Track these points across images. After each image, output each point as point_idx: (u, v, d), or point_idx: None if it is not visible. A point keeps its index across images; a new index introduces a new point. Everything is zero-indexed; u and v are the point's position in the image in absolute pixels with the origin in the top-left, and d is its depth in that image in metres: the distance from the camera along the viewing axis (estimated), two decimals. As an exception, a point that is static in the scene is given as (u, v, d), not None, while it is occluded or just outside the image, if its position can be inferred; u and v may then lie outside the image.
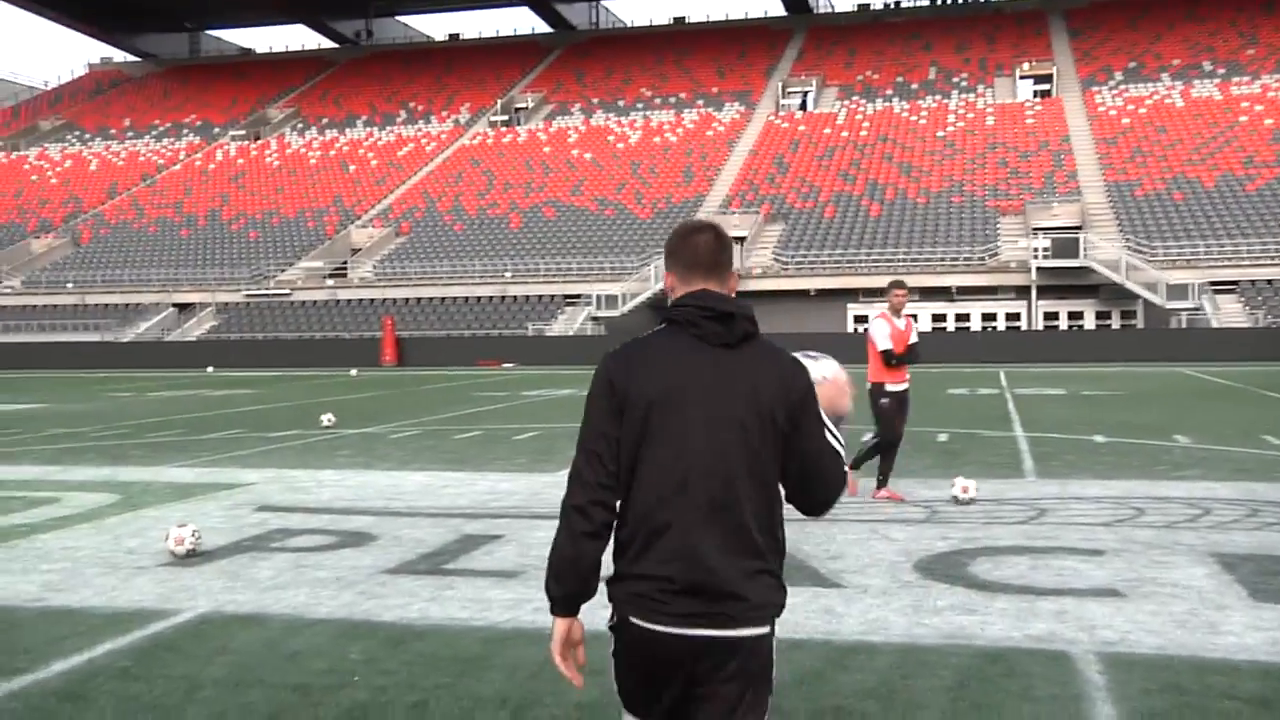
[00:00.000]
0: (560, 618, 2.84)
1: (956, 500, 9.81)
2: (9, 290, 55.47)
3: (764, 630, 2.77)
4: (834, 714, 4.71)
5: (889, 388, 10.47)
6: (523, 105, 72.30)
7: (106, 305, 52.93)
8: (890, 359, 10.36)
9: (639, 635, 2.76)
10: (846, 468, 9.89)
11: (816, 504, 2.92)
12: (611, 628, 2.83)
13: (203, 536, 8.24)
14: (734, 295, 2.97)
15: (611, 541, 2.82)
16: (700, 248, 2.99)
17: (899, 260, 45.34)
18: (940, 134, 57.49)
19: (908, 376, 10.66)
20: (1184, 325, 40.62)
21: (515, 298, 48.63)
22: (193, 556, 7.96)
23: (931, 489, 10.70)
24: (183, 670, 5.45)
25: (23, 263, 58.25)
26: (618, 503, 2.80)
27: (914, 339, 10.55)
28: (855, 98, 64.82)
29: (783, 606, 2.83)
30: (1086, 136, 55.27)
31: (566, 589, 2.82)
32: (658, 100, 69.14)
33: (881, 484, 10.48)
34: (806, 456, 2.84)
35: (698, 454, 2.75)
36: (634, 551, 2.78)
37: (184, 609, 6.62)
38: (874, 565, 7.48)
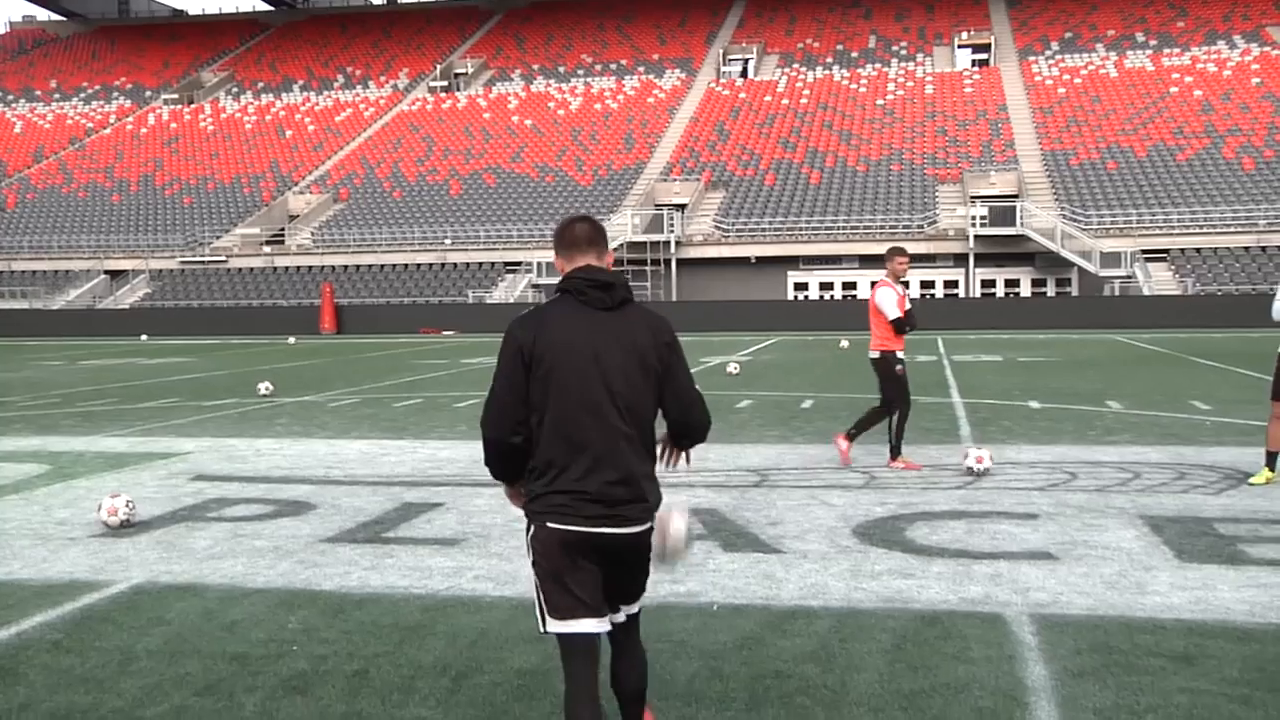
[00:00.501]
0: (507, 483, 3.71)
1: (971, 470, 9.53)
2: (-67, 256, 54.10)
3: (651, 524, 3.57)
4: (774, 678, 4.76)
5: (899, 354, 10.28)
6: (462, 71, 71.55)
7: (35, 272, 51.83)
8: (901, 326, 10.15)
9: (556, 537, 3.46)
10: (890, 461, 9.87)
11: (698, 427, 3.69)
12: (531, 539, 3.52)
13: (137, 507, 8.12)
14: (611, 269, 3.65)
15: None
16: (579, 231, 3.65)
17: (839, 228, 45.60)
18: (880, 102, 57.77)
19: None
20: (1117, 293, 41.33)
21: (455, 265, 48.31)
22: (127, 527, 7.85)
23: (870, 455, 10.81)
24: (116, 642, 5.37)
25: (-53, 228, 56.80)
26: (524, 435, 3.52)
27: (908, 306, 10.36)
28: (796, 65, 64.91)
29: (660, 500, 3.61)
30: (1024, 106, 55.84)
31: (503, 479, 3.69)
32: (598, 67, 68.75)
33: (853, 436, 10.41)
34: (680, 389, 3.62)
35: (594, 394, 3.47)
36: (551, 474, 3.48)
37: (118, 580, 6.53)
38: (813, 531, 7.55)
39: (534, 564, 3.52)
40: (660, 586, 6.18)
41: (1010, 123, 53.69)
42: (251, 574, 6.61)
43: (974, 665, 4.87)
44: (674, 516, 3.66)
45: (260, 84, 73.25)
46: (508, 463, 3.59)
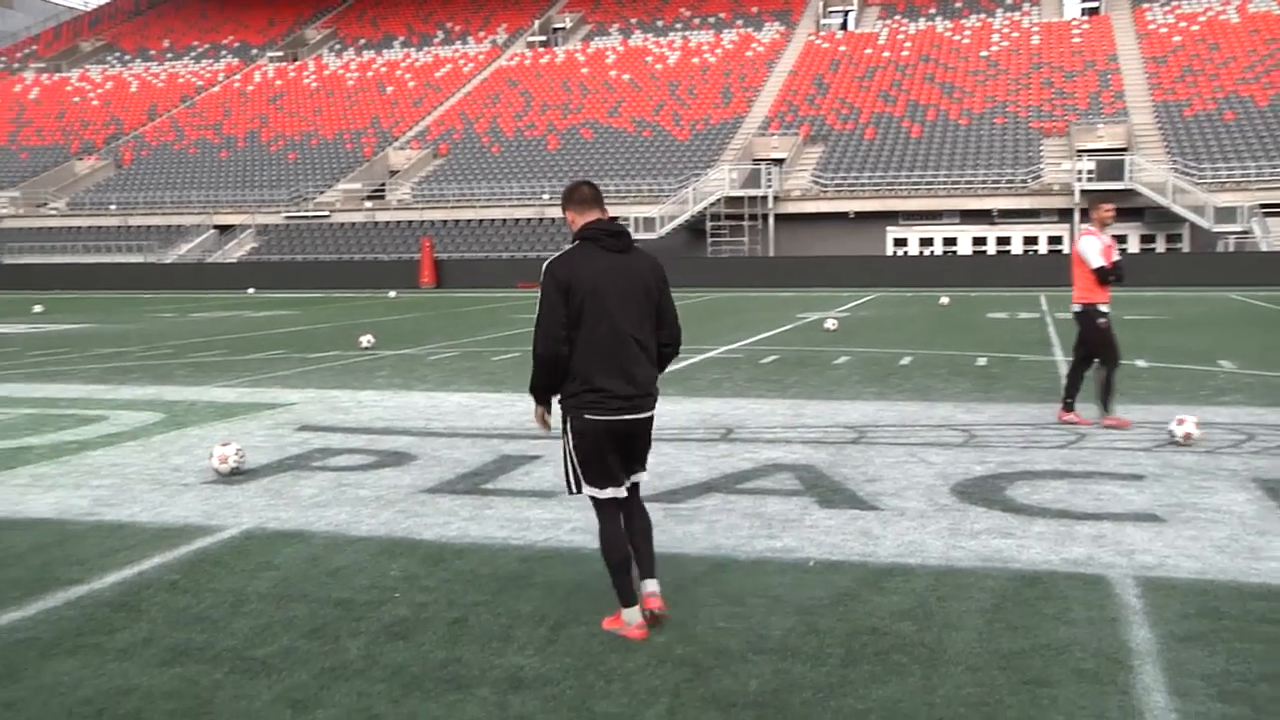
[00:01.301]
0: (539, 404, 4.91)
1: (1174, 439, 8.84)
2: (54, 212, 55.94)
3: (655, 410, 4.89)
4: (870, 634, 4.74)
5: (1102, 307, 9.94)
6: (560, 26, 71.49)
7: (149, 227, 53.30)
8: (1106, 276, 9.77)
9: (592, 425, 4.72)
10: (1102, 419, 9.42)
11: (677, 341, 4.97)
12: (569, 428, 4.77)
13: (246, 455, 8.35)
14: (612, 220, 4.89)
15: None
16: (585, 193, 4.87)
17: (939, 183, 44.78)
18: (984, 54, 56.37)
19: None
20: (1231, 249, 39.96)
21: (553, 220, 48.49)
22: (236, 475, 8.09)
23: (969, 413, 10.66)
24: (229, 584, 5.56)
25: (67, 184, 58.67)
26: (566, 350, 4.67)
27: (1116, 256, 9.97)
28: (897, 17, 63.58)
29: (658, 395, 4.90)
30: (1135, 55, 54.00)
31: (544, 393, 4.85)
32: (696, 20, 68.12)
33: (1070, 407, 10.07)
34: (669, 312, 4.91)
35: (615, 318, 4.68)
36: (584, 377, 4.69)
37: (229, 525, 6.74)
38: (911, 488, 7.48)
39: (574, 446, 4.78)
40: (756, 542, 6.19)
41: (1120, 73, 51.98)
42: (355, 522, 6.77)
43: (1075, 627, 4.80)
44: None
45: (362, 40, 74.06)
46: (554, 374, 4.73)
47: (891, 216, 45.05)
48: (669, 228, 45.00)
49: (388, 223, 50.60)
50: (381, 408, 11.65)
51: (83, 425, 10.64)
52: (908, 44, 59.04)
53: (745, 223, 45.68)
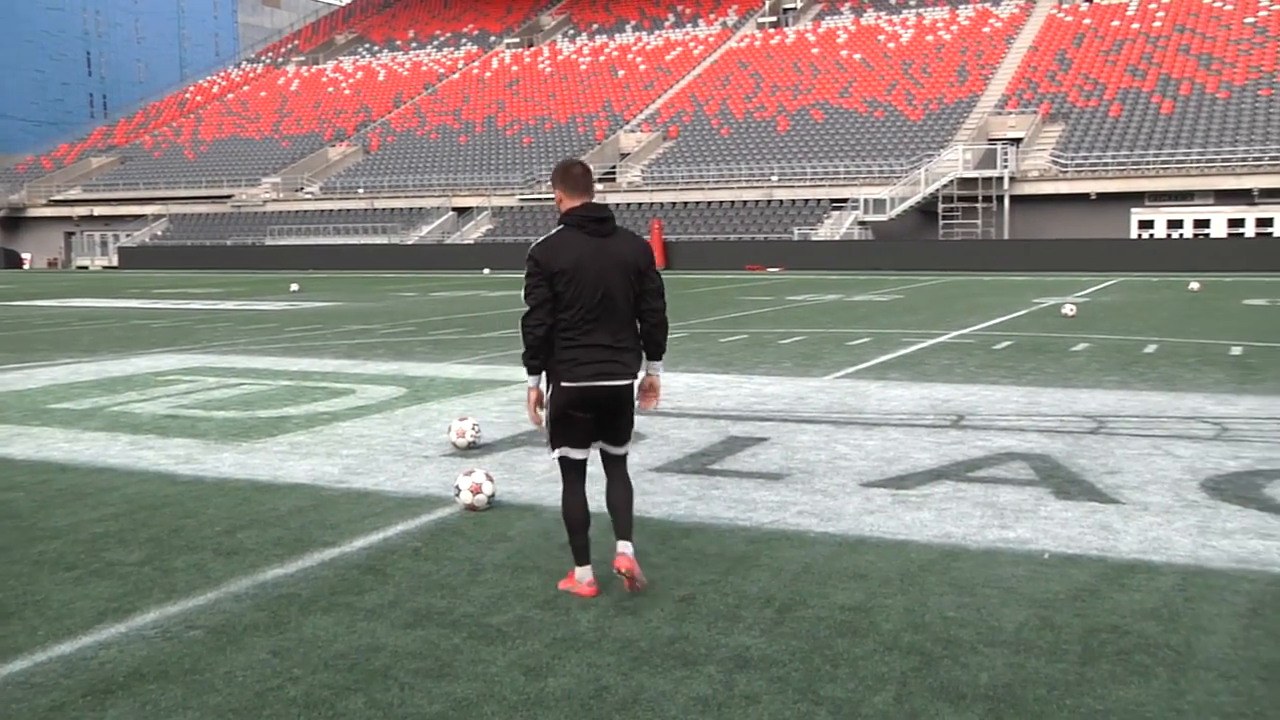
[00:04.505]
0: (533, 382, 5.13)
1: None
2: (309, 196, 59.42)
3: (632, 380, 5.09)
4: (1110, 632, 4.55)
5: None
6: (791, 6, 70.92)
7: (392, 209, 55.93)
8: None
9: (568, 393, 5.01)
10: None
11: (660, 313, 5.15)
12: (551, 394, 5.07)
13: (482, 430, 8.67)
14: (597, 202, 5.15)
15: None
16: (578, 173, 5.11)
17: (1191, 161, 42.23)
18: (1249, 20, 52.74)
19: None
20: None
21: (781, 202, 48.27)
22: (473, 449, 8.41)
23: (1222, 405, 10.05)
24: (467, 553, 5.80)
25: (320, 170, 62.18)
26: (548, 332, 4.99)
27: None
28: (1150, -15, 60.19)
29: (640, 367, 5.18)
30: None
31: (537, 364, 5.07)
32: (932, -5, 66.35)
33: None
34: (650, 290, 5.11)
35: (595, 295, 4.94)
36: (569, 349, 4.97)
37: (467, 496, 7.00)
38: (1155, 482, 7.12)
39: (549, 395, 5.10)
40: (988, 531, 6.03)
41: (1405, 39, 47.72)
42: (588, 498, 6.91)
43: (1342, 637, 4.47)
44: None
45: (595, 25, 75.44)
46: (542, 352, 5.00)
47: (1137, 197, 42.79)
48: (899, 209, 44.09)
49: (618, 205, 51.43)
50: (610, 387, 11.84)
51: (333, 398, 11.28)
52: (1160, 14, 55.85)
53: (979, 204, 44.31)
